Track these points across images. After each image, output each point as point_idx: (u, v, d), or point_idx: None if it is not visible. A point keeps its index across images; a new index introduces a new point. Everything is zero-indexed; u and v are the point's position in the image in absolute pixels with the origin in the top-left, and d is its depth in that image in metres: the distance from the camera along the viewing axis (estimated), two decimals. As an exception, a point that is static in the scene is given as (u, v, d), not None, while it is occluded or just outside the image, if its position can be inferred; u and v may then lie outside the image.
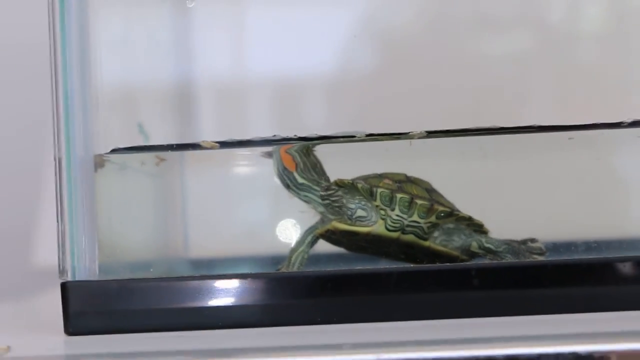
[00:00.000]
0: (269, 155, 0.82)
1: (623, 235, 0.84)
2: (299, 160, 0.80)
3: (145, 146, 0.81)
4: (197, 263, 0.93)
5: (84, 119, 0.75)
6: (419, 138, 0.79)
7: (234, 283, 0.73)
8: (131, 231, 0.83)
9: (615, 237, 0.84)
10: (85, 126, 0.75)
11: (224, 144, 0.79)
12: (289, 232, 0.86)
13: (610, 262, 0.72)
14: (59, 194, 0.74)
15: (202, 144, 0.80)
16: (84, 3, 0.76)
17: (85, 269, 0.74)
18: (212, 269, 0.90)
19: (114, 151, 0.77)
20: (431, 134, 0.78)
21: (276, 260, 0.83)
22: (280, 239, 0.87)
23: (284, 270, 0.79)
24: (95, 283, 0.73)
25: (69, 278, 0.73)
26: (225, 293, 0.73)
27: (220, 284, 0.73)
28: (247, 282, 0.73)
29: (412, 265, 0.78)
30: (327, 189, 0.80)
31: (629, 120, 0.79)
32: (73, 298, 0.72)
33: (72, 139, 0.74)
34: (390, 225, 0.78)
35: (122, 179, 0.82)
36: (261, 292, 0.73)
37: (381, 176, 0.80)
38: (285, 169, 0.81)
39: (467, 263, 0.78)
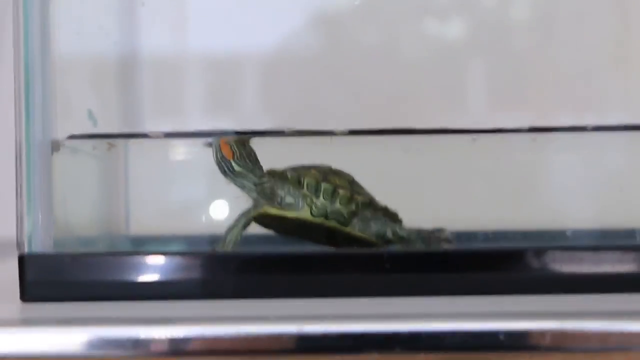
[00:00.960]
0: (210, 144, 0.90)
1: (520, 227, 0.94)
2: (235, 150, 0.89)
3: (99, 134, 0.89)
4: (137, 240, 1.01)
5: (43, 104, 0.82)
6: (341, 135, 0.87)
7: (173, 259, 0.80)
8: (81, 209, 0.90)
9: (512, 229, 0.94)
10: (43, 111, 0.82)
11: (168, 135, 0.87)
12: (224, 214, 0.94)
13: (505, 250, 0.81)
14: (19, 175, 0.81)
15: (149, 134, 0.88)
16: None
17: (41, 243, 0.81)
18: (151, 246, 0.98)
19: (70, 137, 0.85)
20: (352, 132, 0.87)
21: (212, 239, 0.91)
22: (216, 220, 0.95)
23: (219, 249, 0.88)
24: (49, 255, 0.81)
25: (26, 251, 0.81)
26: (164, 268, 0.80)
27: (160, 260, 0.80)
28: (185, 259, 0.81)
29: (332, 249, 0.87)
30: (261, 176, 0.88)
31: (526, 127, 0.88)
32: (29, 268, 0.79)
33: (31, 124, 0.81)
34: (315, 212, 0.87)
35: (75, 162, 0.89)
36: (197, 268, 0.80)
37: (309, 168, 0.89)
38: (223, 157, 0.89)
39: (380, 249, 0.87)
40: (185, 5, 1.01)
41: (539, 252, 0.79)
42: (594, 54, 1.00)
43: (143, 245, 0.99)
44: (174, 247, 0.94)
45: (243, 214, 0.88)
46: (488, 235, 0.91)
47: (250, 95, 1.02)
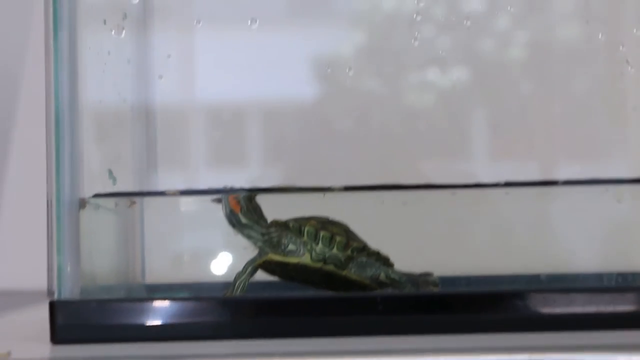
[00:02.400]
0: (218, 200, 1.00)
1: (499, 272, 1.03)
2: (243, 205, 0.99)
3: (120, 193, 0.98)
4: (152, 288, 1.11)
5: (71, 163, 0.92)
6: (337, 191, 0.97)
7: (188, 304, 0.89)
8: (103, 260, 1.00)
9: (492, 274, 1.03)
10: (72, 170, 0.91)
11: (183, 192, 0.97)
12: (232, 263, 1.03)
13: (485, 294, 0.90)
14: (50, 229, 0.91)
15: (166, 192, 0.97)
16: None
17: (69, 290, 0.91)
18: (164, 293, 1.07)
19: (95, 196, 0.94)
20: (347, 189, 0.96)
21: (222, 286, 0.99)
22: (225, 268, 1.04)
23: (228, 295, 0.97)
24: (76, 302, 0.90)
25: (56, 297, 0.90)
26: (180, 312, 0.88)
27: (176, 305, 0.89)
28: (198, 304, 0.90)
29: (331, 293, 0.96)
30: (266, 227, 0.98)
31: (503, 182, 0.98)
32: (58, 313, 0.88)
33: (61, 183, 0.91)
34: (314, 257, 0.97)
35: (98, 217, 0.98)
36: (209, 312, 0.89)
37: (308, 218, 0.99)
38: (231, 211, 0.99)
39: (374, 292, 0.95)
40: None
41: (516, 295, 0.88)
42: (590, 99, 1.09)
43: (156, 292, 1.08)
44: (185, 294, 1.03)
45: (250, 262, 0.98)
46: (470, 280, 1.00)
47: (254, 143, 1.11)
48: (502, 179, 1.02)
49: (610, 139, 1.09)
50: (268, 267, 0.98)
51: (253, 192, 0.98)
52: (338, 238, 0.97)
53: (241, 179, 1.09)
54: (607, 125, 1.09)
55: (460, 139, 1.09)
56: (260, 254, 0.98)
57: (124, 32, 1.03)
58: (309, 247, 0.97)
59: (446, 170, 1.08)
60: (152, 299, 0.90)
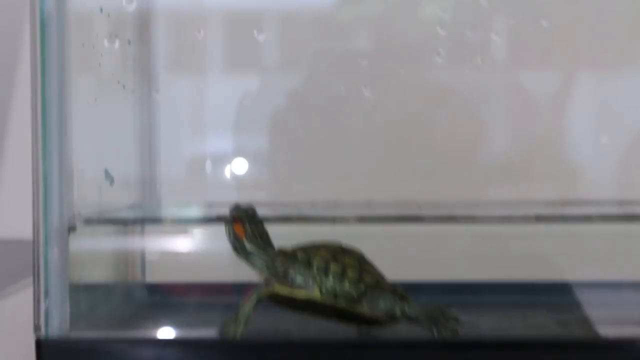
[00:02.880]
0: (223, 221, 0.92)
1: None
2: (247, 229, 0.91)
3: (114, 219, 0.91)
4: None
5: (59, 190, 0.84)
6: (352, 222, 0.89)
7: (185, 346, 0.83)
8: (96, 286, 0.93)
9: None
10: (60, 197, 0.84)
11: (183, 220, 0.89)
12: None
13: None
14: (36, 259, 0.84)
15: (164, 219, 0.89)
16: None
17: (58, 327, 0.84)
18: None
19: (87, 222, 0.87)
20: (363, 220, 0.89)
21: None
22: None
23: (231, 324, 0.89)
24: (65, 340, 0.83)
25: (43, 334, 0.83)
26: (177, 354, 0.83)
27: (173, 345, 0.83)
28: (198, 346, 0.83)
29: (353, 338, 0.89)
30: (272, 257, 0.90)
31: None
32: (46, 353, 0.82)
33: (49, 210, 0.84)
34: (324, 292, 0.89)
35: (90, 241, 0.91)
36: (209, 355, 0.83)
37: (318, 247, 0.91)
38: (235, 235, 0.91)
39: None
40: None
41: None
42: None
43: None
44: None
45: (255, 292, 0.90)
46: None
47: (270, 50, 1.06)
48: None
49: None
50: (274, 298, 0.90)
51: (259, 220, 0.90)
52: (350, 273, 0.89)
53: (254, 85, 1.04)
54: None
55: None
56: (265, 284, 0.90)
57: None
58: (318, 281, 0.89)
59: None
60: (147, 340, 0.83)
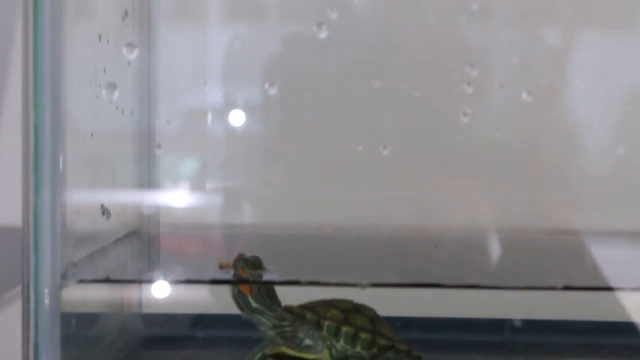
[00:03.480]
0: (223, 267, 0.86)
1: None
2: (253, 285, 0.85)
3: (110, 280, 0.85)
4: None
5: (52, 246, 0.78)
6: (364, 288, 0.83)
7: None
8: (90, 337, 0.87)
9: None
10: (53, 255, 0.78)
11: (182, 281, 0.83)
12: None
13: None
14: (26, 320, 0.78)
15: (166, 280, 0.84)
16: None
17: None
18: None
19: (80, 282, 0.81)
20: (375, 285, 0.83)
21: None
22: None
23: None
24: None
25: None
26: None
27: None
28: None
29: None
30: (279, 317, 0.84)
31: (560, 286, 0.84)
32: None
33: (40, 268, 0.78)
34: (334, 355, 0.83)
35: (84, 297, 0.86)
36: None
37: (329, 304, 0.85)
38: (240, 291, 0.85)
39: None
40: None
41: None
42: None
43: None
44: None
45: (259, 349, 0.85)
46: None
47: None
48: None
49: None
50: (280, 358, 0.85)
51: (266, 283, 0.84)
52: (363, 335, 0.83)
53: (256, 35, 0.98)
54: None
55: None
56: (271, 342, 0.85)
57: None
58: (328, 343, 0.83)
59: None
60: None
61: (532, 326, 0.99)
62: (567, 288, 0.83)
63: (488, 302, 0.94)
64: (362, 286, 0.83)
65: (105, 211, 0.93)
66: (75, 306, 0.80)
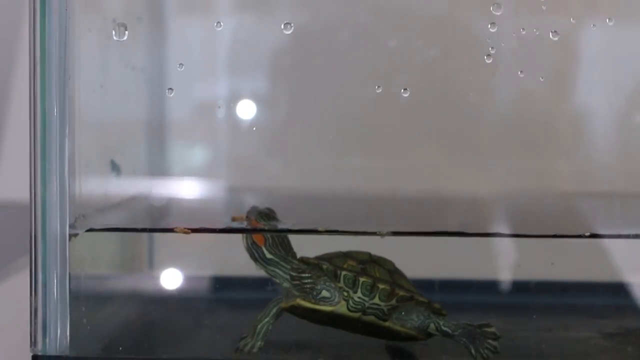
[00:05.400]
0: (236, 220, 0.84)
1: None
2: (267, 236, 0.82)
3: (119, 228, 0.83)
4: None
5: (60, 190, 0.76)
6: (384, 236, 0.80)
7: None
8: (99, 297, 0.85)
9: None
10: (61, 198, 0.76)
11: (195, 230, 0.81)
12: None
13: None
14: (33, 269, 0.75)
15: (175, 230, 0.81)
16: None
17: (56, 343, 0.76)
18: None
19: (89, 230, 0.78)
20: (396, 234, 0.80)
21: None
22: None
23: (248, 339, 0.81)
24: (63, 358, 0.75)
25: (40, 352, 0.75)
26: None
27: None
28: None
29: None
30: (296, 269, 0.82)
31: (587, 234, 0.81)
32: (43, 371, 0.74)
33: (48, 216, 0.75)
34: (352, 306, 0.81)
35: (94, 246, 0.83)
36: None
37: (346, 256, 0.82)
38: (253, 242, 0.82)
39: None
40: None
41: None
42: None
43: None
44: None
45: (274, 303, 0.82)
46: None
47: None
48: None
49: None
50: (296, 311, 0.82)
51: (280, 232, 0.81)
52: (381, 286, 0.80)
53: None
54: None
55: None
56: (286, 296, 0.82)
57: None
58: (345, 294, 0.81)
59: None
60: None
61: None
62: (594, 236, 0.80)
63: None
64: (382, 234, 0.80)
65: (115, 167, 0.90)
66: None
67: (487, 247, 0.92)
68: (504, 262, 0.96)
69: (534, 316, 0.91)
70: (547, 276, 0.97)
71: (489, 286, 0.97)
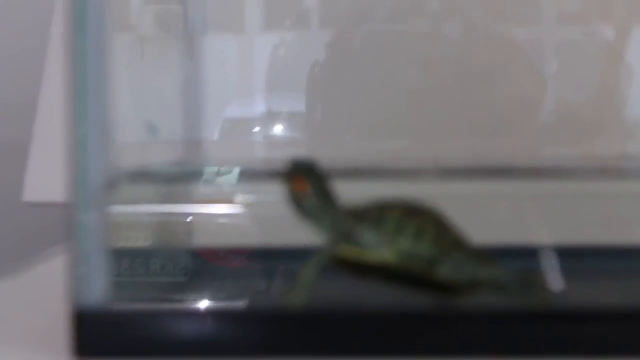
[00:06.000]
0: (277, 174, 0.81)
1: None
2: (310, 186, 0.80)
3: (160, 173, 0.81)
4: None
5: (97, 143, 0.74)
6: (432, 175, 0.78)
7: (237, 314, 0.73)
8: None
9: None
10: (98, 150, 0.74)
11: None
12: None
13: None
14: (72, 219, 0.73)
15: (219, 171, 0.78)
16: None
17: (97, 296, 0.74)
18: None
19: (128, 176, 0.76)
20: (445, 172, 0.77)
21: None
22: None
23: (293, 292, 0.79)
24: (105, 311, 0.73)
25: (80, 305, 0.73)
26: (228, 324, 0.72)
27: (223, 315, 0.73)
28: (251, 313, 0.73)
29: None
30: (339, 216, 0.79)
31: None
32: (84, 325, 0.72)
33: (85, 164, 0.73)
34: (397, 254, 0.78)
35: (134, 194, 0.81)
36: (265, 324, 0.72)
37: (390, 205, 0.80)
38: (296, 193, 0.80)
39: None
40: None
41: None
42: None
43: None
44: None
45: (317, 255, 0.80)
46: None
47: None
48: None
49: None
50: (340, 263, 0.79)
51: (323, 175, 0.79)
52: (428, 231, 0.78)
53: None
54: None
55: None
56: (330, 246, 0.79)
57: None
58: (390, 242, 0.78)
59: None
60: (194, 310, 0.73)
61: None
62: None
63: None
64: (429, 175, 0.78)
65: (152, 128, 0.89)
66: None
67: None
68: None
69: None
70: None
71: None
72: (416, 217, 0.78)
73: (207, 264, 0.93)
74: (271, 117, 0.97)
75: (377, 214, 0.78)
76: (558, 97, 0.96)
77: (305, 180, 0.79)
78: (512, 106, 0.95)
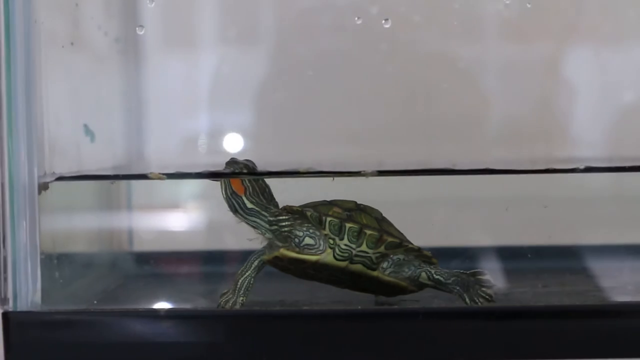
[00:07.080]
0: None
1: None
2: (247, 185, 0.78)
3: (91, 175, 0.79)
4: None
5: (28, 143, 0.72)
6: (370, 176, 0.77)
7: (177, 319, 0.71)
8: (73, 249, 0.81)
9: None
10: (29, 151, 0.72)
11: (171, 176, 0.77)
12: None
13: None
14: (2, 220, 0.72)
15: (149, 175, 0.77)
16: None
17: (27, 298, 0.72)
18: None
19: (59, 179, 0.74)
20: (382, 173, 0.76)
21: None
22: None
23: (229, 294, 0.78)
24: (36, 314, 0.71)
25: (11, 308, 0.71)
26: (165, 328, 0.71)
27: (160, 318, 0.71)
28: (188, 319, 0.71)
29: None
30: (276, 215, 0.78)
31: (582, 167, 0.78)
32: (14, 327, 0.70)
33: (15, 165, 0.71)
34: (338, 255, 0.77)
35: (66, 198, 0.79)
36: (203, 330, 0.71)
37: (331, 204, 0.78)
38: (233, 192, 0.78)
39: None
40: None
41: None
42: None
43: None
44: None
45: (256, 255, 0.78)
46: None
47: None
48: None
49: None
50: (279, 263, 0.78)
51: (260, 176, 0.78)
52: (368, 231, 0.77)
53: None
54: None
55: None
56: (269, 247, 0.78)
57: None
58: (331, 242, 0.77)
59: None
60: (134, 312, 0.71)
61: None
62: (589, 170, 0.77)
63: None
64: (367, 175, 0.77)
65: (89, 132, 0.87)
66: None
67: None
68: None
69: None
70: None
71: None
72: (356, 218, 0.77)
73: (146, 268, 0.92)
74: (215, 128, 0.95)
75: (317, 216, 0.77)
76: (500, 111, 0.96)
77: (242, 180, 0.78)
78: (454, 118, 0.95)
